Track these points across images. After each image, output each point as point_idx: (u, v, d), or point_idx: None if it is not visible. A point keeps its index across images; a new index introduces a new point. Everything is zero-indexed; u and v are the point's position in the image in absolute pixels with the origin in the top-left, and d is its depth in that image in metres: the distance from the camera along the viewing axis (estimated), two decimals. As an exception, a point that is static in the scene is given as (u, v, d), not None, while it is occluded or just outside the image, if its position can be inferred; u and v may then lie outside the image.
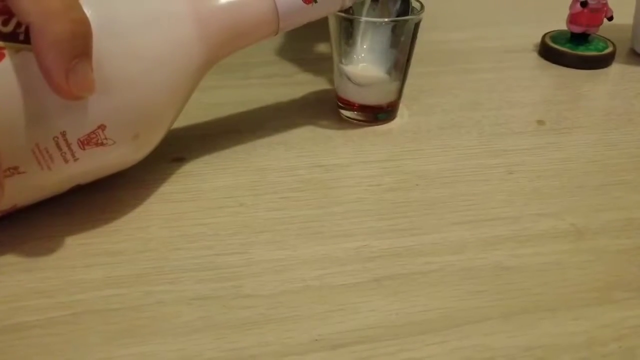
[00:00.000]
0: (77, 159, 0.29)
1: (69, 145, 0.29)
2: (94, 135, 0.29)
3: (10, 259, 0.31)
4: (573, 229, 0.34)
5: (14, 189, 0.29)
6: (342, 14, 0.39)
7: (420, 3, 0.42)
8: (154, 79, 0.31)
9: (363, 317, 0.28)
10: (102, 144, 0.30)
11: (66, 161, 0.29)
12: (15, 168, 0.28)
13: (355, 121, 0.43)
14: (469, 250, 0.32)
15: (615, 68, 0.54)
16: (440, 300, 0.29)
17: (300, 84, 0.49)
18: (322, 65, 0.51)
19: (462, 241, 0.33)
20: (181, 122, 0.43)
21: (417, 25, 0.41)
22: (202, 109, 0.45)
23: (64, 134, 0.28)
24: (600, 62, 0.54)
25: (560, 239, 0.33)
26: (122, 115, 0.30)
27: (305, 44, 0.56)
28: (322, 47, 0.55)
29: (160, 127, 0.33)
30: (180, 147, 0.40)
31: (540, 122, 0.44)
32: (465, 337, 0.27)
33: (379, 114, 0.43)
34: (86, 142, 0.29)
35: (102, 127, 0.29)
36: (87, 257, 0.31)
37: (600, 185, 0.38)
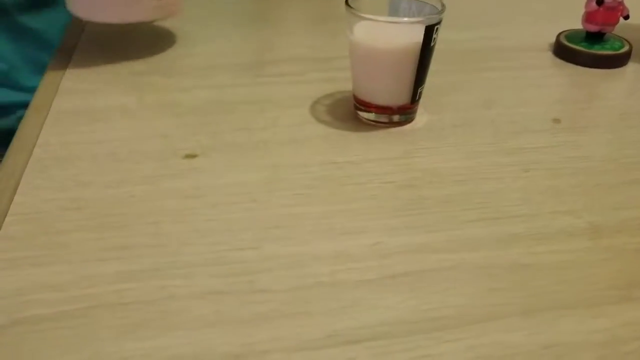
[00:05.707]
0: None
1: None
2: None
3: (22, 253, 0.30)
4: (590, 227, 0.33)
5: None
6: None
7: (442, 3, 0.40)
8: None
9: (378, 313, 0.27)
10: None
11: None
12: None
13: (373, 123, 0.43)
14: (484, 248, 0.31)
15: (631, 67, 0.53)
16: (456, 297, 0.28)
17: (313, 82, 0.49)
18: (335, 64, 0.51)
19: (477, 239, 0.32)
20: (194, 119, 0.42)
21: (432, 28, 0.39)
22: (215, 106, 0.44)
23: None
24: (616, 61, 0.53)
25: (577, 237, 0.32)
26: None
27: (318, 42, 0.56)
28: (335, 45, 0.55)
29: None
30: (192, 144, 0.40)
31: (556, 121, 0.44)
32: (483, 334, 0.27)
33: (396, 115, 0.42)
34: None
35: None
36: (99, 252, 0.31)
37: (617, 183, 0.37)
